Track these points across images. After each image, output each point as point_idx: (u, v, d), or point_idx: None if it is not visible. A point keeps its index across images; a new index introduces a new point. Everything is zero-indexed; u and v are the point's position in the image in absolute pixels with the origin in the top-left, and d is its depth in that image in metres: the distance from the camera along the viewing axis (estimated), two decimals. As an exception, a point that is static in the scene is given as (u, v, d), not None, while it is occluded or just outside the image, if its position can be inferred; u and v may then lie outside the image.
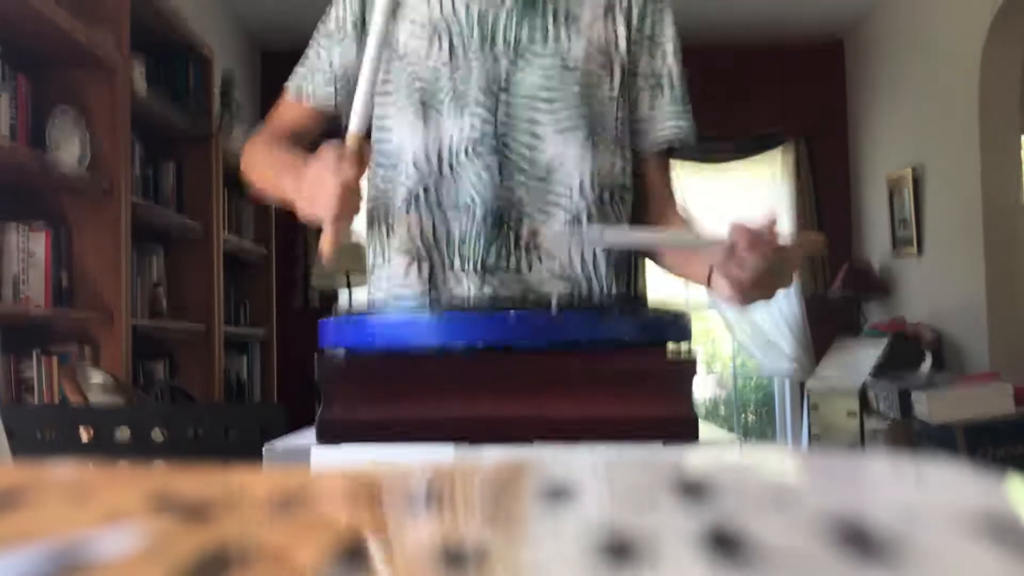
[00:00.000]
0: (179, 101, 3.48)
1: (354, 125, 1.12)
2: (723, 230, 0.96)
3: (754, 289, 0.98)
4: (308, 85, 1.33)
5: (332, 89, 1.32)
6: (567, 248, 1.22)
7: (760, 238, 0.94)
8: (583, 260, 1.24)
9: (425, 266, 1.23)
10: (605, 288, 1.25)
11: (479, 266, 1.21)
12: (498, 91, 1.23)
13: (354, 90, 1.32)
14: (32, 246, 2.59)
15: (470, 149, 1.23)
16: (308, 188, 1.09)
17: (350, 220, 1.07)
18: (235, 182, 3.81)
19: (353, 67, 1.30)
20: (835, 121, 5.37)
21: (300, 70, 1.35)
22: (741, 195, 5.18)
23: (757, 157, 5.28)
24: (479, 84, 1.23)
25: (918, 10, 4.53)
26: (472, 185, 1.22)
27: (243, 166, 1.33)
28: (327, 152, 1.07)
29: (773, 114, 5.24)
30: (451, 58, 1.24)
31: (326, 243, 1.07)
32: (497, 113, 1.23)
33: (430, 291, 1.23)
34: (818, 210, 5.23)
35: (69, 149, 2.67)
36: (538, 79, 1.24)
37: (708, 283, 1.09)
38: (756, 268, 0.95)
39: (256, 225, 4.34)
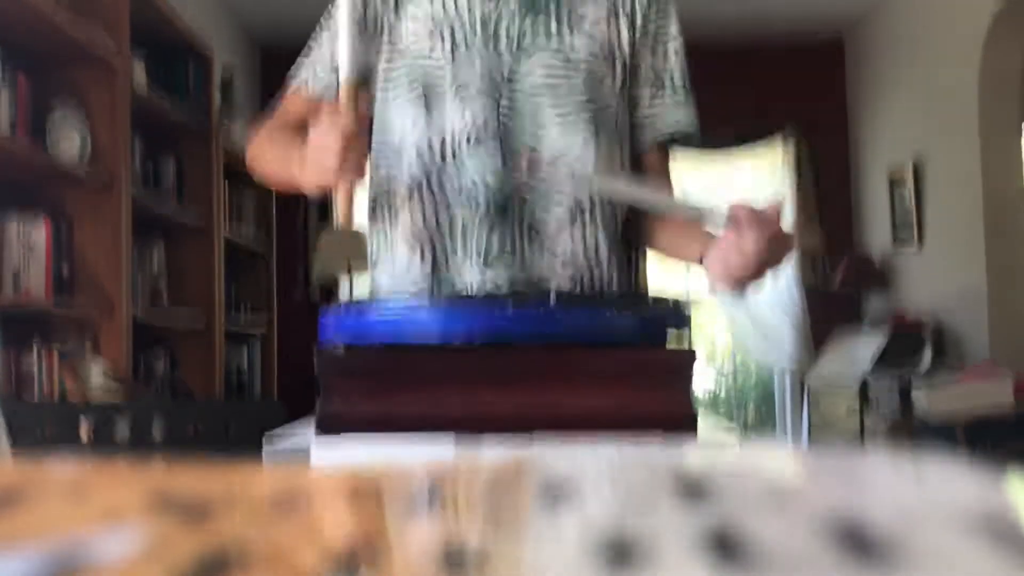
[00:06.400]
0: (179, 98, 3.47)
1: (344, 73, 1.13)
2: (723, 207, 0.96)
3: (750, 273, 0.98)
4: (311, 79, 1.33)
5: (335, 80, 1.31)
6: (564, 178, 1.22)
7: (763, 220, 0.94)
8: (586, 249, 1.24)
9: (428, 255, 1.23)
10: (607, 278, 1.24)
11: (482, 255, 1.21)
12: (501, 82, 1.23)
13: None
14: (32, 238, 2.59)
15: (472, 138, 1.22)
16: (311, 151, 1.10)
17: (359, 172, 1.08)
18: (235, 175, 3.83)
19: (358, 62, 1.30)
20: (836, 116, 5.37)
21: (304, 63, 1.35)
22: (742, 189, 5.18)
23: (758, 151, 5.27)
24: (482, 75, 1.23)
25: (919, 7, 4.52)
26: (475, 174, 1.22)
27: (249, 158, 1.33)
28: (323, 112, 1.09)
29: (775, 109, 5.24)
30: (453, 55, 1.24)
31: (341, 201, 1.09)
32: (500, 103, 1.23)
33: (432, 280, 1.23)
34: (819, 204, 5.23)
35: (69, 144, 2.67)
36: (541, 71, 1.24)
37: (700, 263, 1.09)
38: (755, 251, 0.94)
39: (257, 218, 4.34)
